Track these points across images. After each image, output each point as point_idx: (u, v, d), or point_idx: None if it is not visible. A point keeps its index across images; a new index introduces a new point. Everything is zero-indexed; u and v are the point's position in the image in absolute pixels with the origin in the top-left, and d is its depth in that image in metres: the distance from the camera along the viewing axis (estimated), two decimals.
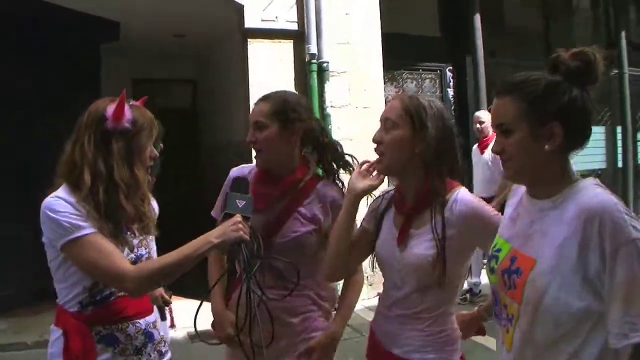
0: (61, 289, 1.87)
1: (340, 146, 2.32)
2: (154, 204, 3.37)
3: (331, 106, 5.83)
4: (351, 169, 2.20)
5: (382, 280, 2.01)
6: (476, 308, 1.98)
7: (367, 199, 2.00)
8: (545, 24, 8.27)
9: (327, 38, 5.85)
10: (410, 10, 7.00)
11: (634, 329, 1.28)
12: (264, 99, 2.24)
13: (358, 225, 2.08)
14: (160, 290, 2.70)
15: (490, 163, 5.80)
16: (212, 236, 1.82)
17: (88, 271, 1.79)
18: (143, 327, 1.93)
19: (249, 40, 5.77)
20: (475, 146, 6.02)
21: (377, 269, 2.04)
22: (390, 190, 2.03)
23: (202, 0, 5.98)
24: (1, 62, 5.41)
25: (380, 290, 2.06)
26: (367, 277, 4.57)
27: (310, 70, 5.80)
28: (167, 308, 2.87)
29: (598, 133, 8.40)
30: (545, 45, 7.96)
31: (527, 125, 1.44)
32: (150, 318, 1.98)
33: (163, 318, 2.67)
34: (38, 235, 1.84)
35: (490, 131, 5.94)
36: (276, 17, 5.81)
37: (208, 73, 8.68)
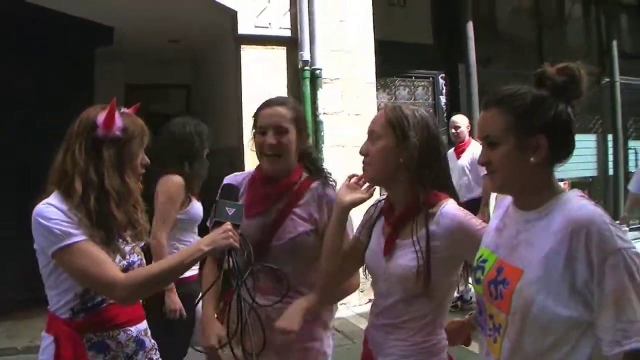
0: (52, 296, 1.87)
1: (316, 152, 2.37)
2: (197, 205, 3.38)
3: (324, 113, 5.84)
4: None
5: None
6: (467, 316, 1.99)
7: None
8: (538, 32, 8.31)
9: (320, 45, 5.85)
10: (403, 17, 7.03)
11: (627, 335, 1.30)
12: (280, 103, 2.22)
13: (352, 235, 2.09)
14: None
15: (467, 168, 5.79)
16: (202, 244, 1.83)
17: (78, 279, 1.80)
18: (134, 335, 1.93)
19: (242, 46, 5.77)
20: (451, 150, 5.86)
21: (370, 276, 2.05)
22: (383, 199, 2.05)
23: (196, 6, 5.98)
24: (1, 62, 5.39)
25: (372, 297, 2.07)
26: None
27: (303, 77, 5.80)
28: None
29: (589, 141, 8.45)
30: (538, 54, 8.01)
31: (513, 138, 1.47)
32: (141, 325, 1.98)
33: None
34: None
35: (466, 136, 5.95)
36: (269, 23, 5.81)
37: (202, 78, 8.67)
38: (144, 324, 2.01)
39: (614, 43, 8.53)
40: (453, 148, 5.97)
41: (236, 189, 2.04)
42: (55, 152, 1.90)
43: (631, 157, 8.73)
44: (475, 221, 1.81)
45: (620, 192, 8.33)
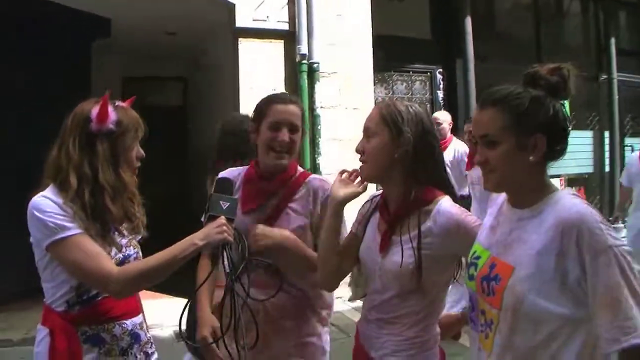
0: (48, 289, 1.87)
1: None
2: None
3: (321, 107, 5.84)
4: None
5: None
6: (460, 311, 2.00)
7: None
8: (536, 28, 8.30)
9: (318, 39, 5.85)
10: (401, 12, 7.02)
11: (626, 332, 1.32)
12: (293, 101, 2.25)
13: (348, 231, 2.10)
14: None
15: (448, 166, 5.75)
16: (197, 238, 1.82)
17: (73, 272, 1.80)
18: (129, 328, 1.94)
19: (239, 39, 5.76)
20: None
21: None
22: (378, 194, 2.05)
23: None
24: (1, 62, 5.38)
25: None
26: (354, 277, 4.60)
27: (300, 71, 5.80)
28: None
29: (586, 138, 8.46)
30: (536, 50, 8.01)
31: (513, 137, 1.49)
32: (136, 319, 1.98)
33: None
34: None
35: (447, 133, 5.80)
36: (267, 16, 5.80)
37: (199, 72, 8.66)
38: (139, 318, 2.01)
39: (612, 40, 8.53)
40: None
41: (231, 183, 2.04)
42: (51, 148, 1.90)
43: (627, 154, 8.73)
44: (471, 219, 1.82)
45: (616, 189, 8.34)
